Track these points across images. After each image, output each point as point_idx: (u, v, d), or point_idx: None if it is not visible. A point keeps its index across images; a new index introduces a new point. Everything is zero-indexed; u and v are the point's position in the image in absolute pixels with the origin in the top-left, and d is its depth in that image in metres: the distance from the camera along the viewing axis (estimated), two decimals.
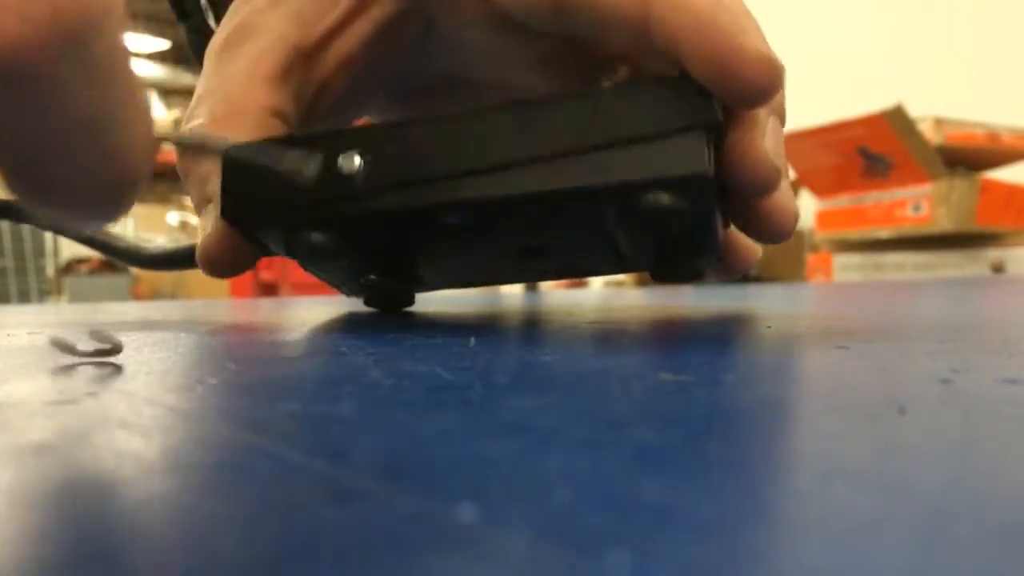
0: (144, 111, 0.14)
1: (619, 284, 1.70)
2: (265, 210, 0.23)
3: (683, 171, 0.19)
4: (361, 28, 0.27)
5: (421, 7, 0.27)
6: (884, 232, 1.45)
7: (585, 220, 0.22)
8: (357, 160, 0.21)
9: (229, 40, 0.26)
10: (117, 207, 0.15)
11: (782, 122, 0.23)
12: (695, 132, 0.19)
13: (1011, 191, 1.42)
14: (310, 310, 0.36)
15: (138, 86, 0.14)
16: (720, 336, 0.20)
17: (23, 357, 0.18)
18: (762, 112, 0.21)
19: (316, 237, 0.23)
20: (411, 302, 0.32)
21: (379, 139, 0.22)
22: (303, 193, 0.22)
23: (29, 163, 0.13)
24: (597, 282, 1.74)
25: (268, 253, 0.25)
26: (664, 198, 0.20)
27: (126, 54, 0.14)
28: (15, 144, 0.13)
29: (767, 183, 0.21)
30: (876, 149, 1.39)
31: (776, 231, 0.23)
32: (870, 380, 0.13)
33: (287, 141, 0.23)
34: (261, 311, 0.30)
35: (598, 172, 0.20)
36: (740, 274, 0.26)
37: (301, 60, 0.26)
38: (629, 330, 0.20)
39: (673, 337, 0.19)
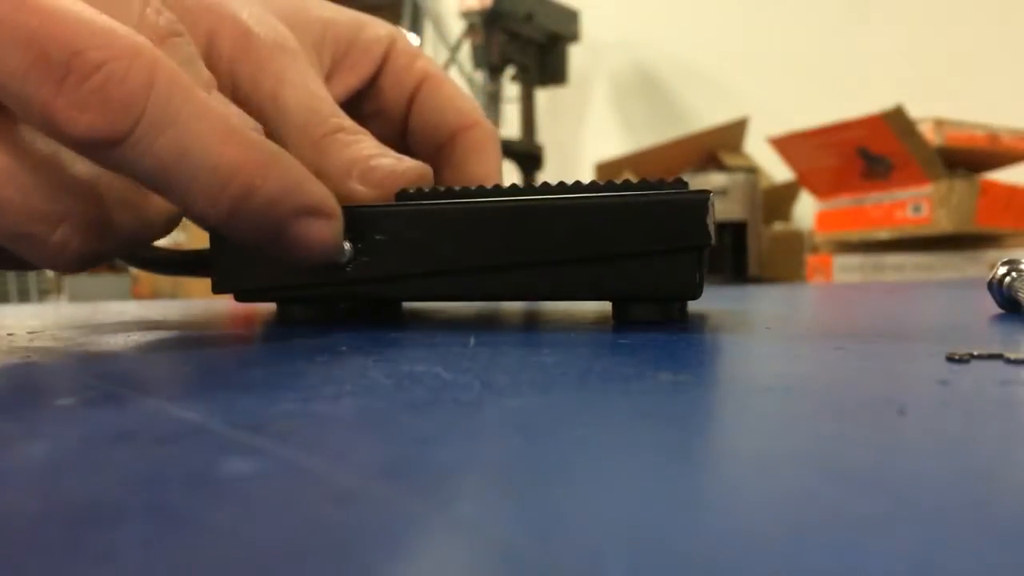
0: (236, 134, 0.17)
1: None
2: (255, 286, 0.23)
3: (675, 289, 0.21)
4: (345, 80, 0.29)
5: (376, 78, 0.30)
6: (884, 233, 1.44)
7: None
8: (347, 247, 0.22)
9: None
10: (283, 231, 0.19)
11: None
12: (690, 254, 0.21)
13: (1011, 192, 1.42)
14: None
15: (219, 115, 0.17)
16: (719, 337, 0.20)
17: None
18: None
19: (300, 311, 0.24)
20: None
21: (372, 226, 0.22)
22: (292, 273, 0.23)
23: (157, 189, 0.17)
24: None
25: None
26: (652, 310, 0.22)
27: (187, 97, 0.17)
28: (136, 179, 0.17)
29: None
30: (876, 150, 1.39)
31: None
32: (870, 380, 0.13)
33: None
34: (261, 311, 0.30)
35: (589, 284, 0.21)
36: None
37: None
38: (625, 330, 0.20)
39: (672, 338, 0.19)
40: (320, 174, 0.20)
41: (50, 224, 0.17)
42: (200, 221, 0.18)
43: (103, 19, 0.16)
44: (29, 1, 0.15)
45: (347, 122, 0.25)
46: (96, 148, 0.16)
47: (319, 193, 0.19)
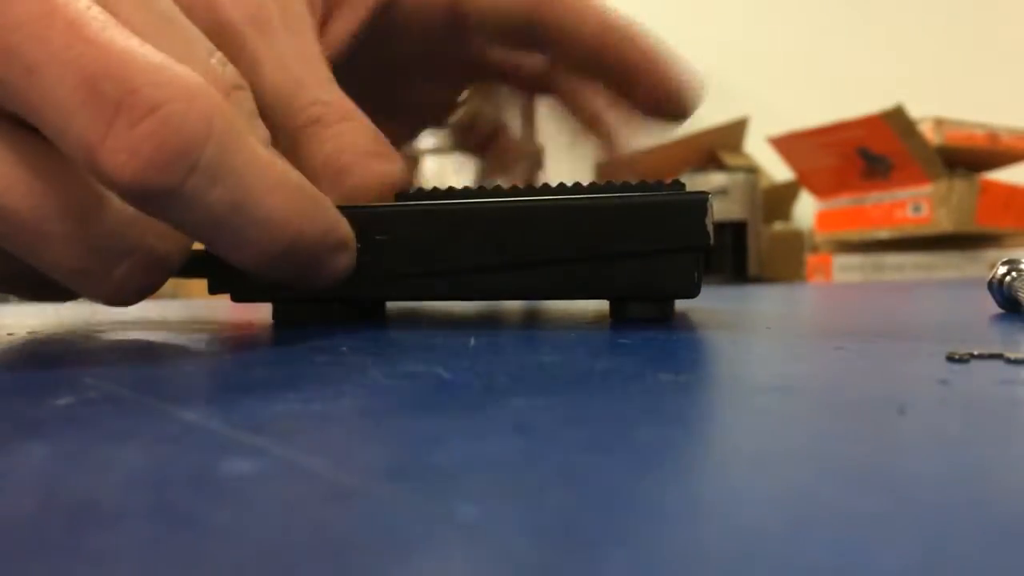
0: (285, 181, 0.17)
1: None
2: (251, 286, 0.23)
3: (674, 289, 0.21)
4: (349, 16, 0.27)
5: (388, 8, 0.28)
6: (884, 233, 1.44)
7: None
8: None
9: (262, 12, 0.25)
10: (316, 267, 0.19)
11: None
12: (688, 255, 0.21)
13: (1011, 192, 1.42)
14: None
15: (269, 163, 0.17)
16: (719, 337, 0.20)
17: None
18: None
19: (297, 311, 0.24)
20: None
21: (371, 226, 0.22)
22: None
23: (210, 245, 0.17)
24: None
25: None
26: (649, 309, 0.22)
27: (241, 146, 0.16)
28: (186, 232, 0.17)
29: (676, 99, 0.26)
30: (876, 150, 1.39)
31: (665, 109, 0.27)
32: (870, 380, 0.13)
33: None
34: (261, 310, 0.30)
35: (588, 283, 0.21)
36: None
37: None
38: (625, 329, 0.20)
39: (673, 337, 0.19)
40: (299, 168, 0.20)
41: (113, 260, 0.17)
42: (238, 264, 0.18)
43: (161, 56, 0.15)
44: (84, 32, 0.14)
45: (328, 108, 0.24)
46: (143, 198, 0.15)
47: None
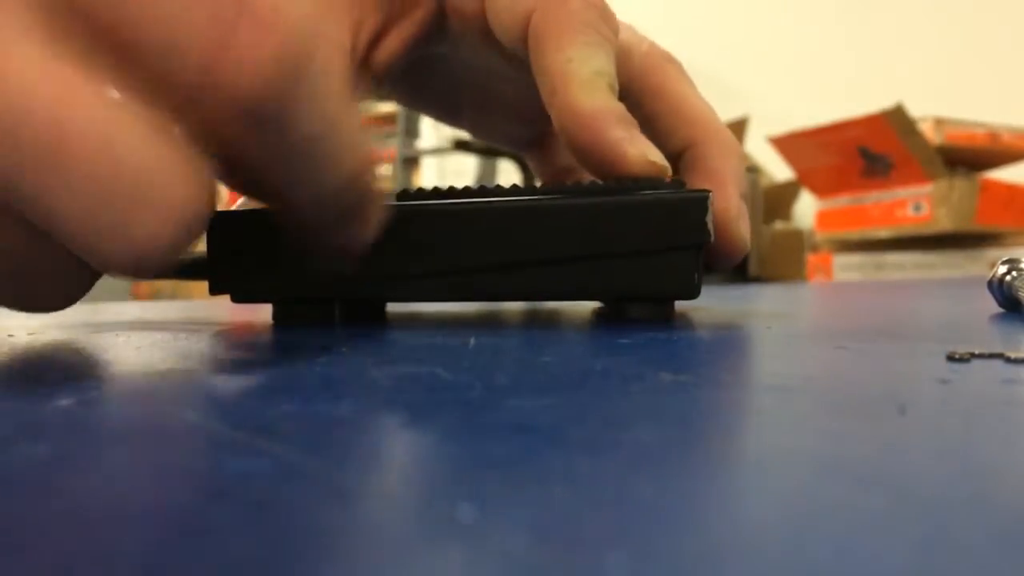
0: (353, 112, 0.17)
1: None
2: (251, 287, 0.23)
3: (674, 289, 0.21)
4: (398, 36, 0.27)
5: (440, 22, 0.27)
6: (884, 232, 1.45)
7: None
8: None
9: None
10: (355, 211, 0.18)
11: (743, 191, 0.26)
12: (688, 252, 0.21)
13: (1011, 191, 1.42)
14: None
15: (348, 96, 0.17)
16: (719, 336, 0.20)
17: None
18: (734, 195, 0.25)
19: (296, 312, 0.24)
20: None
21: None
22: (291, 271, 0.22)
23: (268, 178, 0.16)
24: None
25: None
26: (651, 309, 0.22)
27: (332, 70, 0.16)
28: (256, 164, 0.16)
29: (738, 257, 0.25)
30: (876, 149, 1.39)
31: (727, 263, 0.26)
32: (871, 379, 0.13)
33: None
34: (261, 310, 0.30)
35: (588, 284, 0.21)
36: (725, 269, 0.27)
37: (352, 71, 0.26)
38: (625, 329, 0.20)
39: (673, 337, 0.19)
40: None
41: (132, 210, 0.14)
42: (300, 200, 0.17)
43: None
44: None
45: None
46: (258, 108, 0.14)
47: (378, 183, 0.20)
